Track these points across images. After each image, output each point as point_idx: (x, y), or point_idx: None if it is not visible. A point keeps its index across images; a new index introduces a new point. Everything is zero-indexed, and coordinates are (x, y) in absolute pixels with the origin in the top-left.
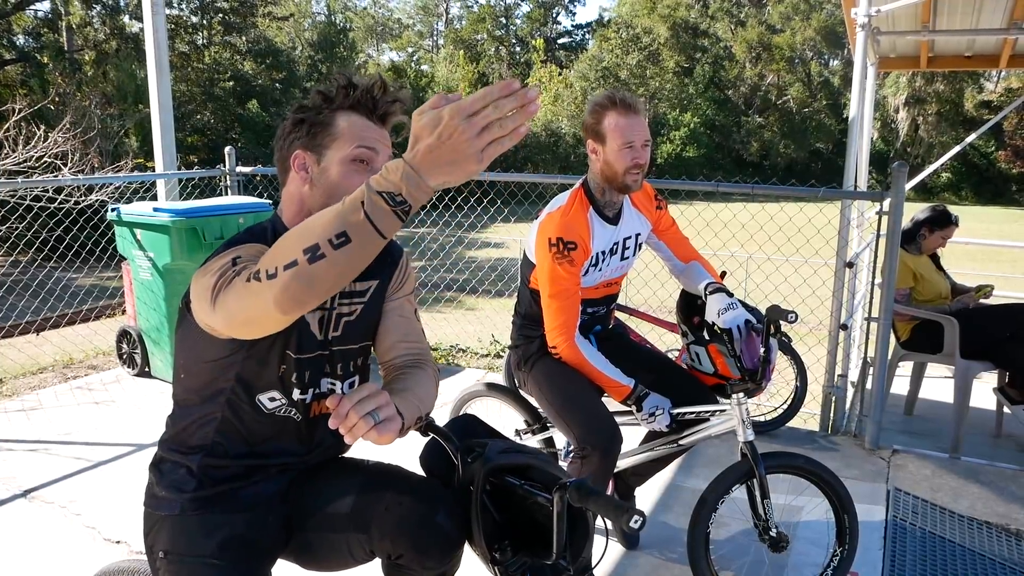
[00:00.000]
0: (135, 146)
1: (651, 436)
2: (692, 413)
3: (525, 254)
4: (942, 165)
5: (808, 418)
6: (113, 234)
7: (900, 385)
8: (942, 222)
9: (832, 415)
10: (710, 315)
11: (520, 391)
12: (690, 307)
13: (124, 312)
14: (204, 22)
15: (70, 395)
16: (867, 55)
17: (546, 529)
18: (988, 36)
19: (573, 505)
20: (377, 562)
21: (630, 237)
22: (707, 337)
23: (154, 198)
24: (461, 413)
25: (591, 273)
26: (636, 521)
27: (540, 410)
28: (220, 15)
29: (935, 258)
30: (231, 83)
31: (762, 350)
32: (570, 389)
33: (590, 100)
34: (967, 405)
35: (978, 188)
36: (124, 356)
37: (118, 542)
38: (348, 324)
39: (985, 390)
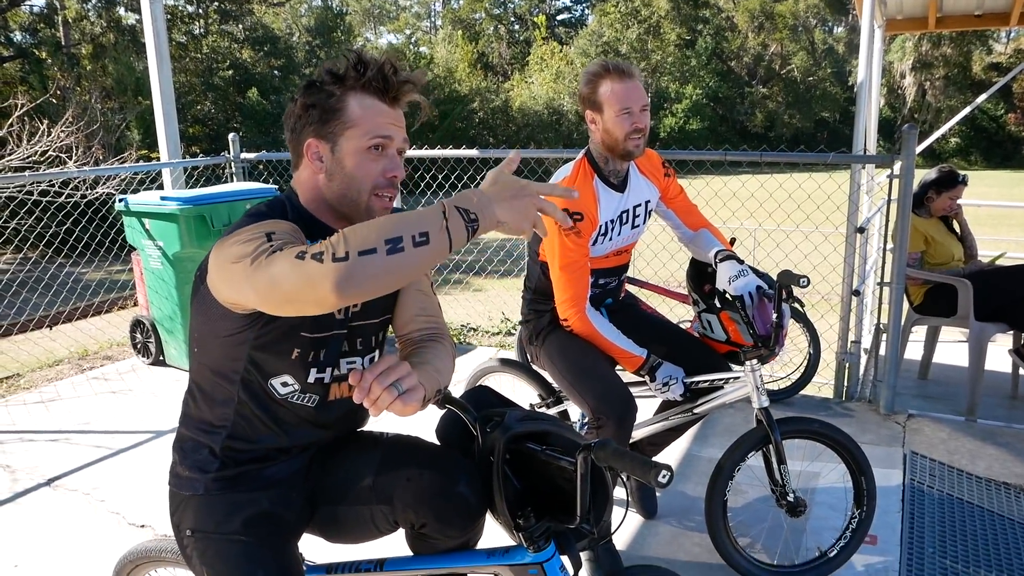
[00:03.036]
0: (137, 138)
1: (665, 406)
2: (706, 381)
3: None
4: (950, 129)
5: (822, 386)
6: (120, 227)
7: (914, 350)
8: (948, 183)
9: (846, 382)
10: (721, 282)
11: (532, 365)
12: (701, 275)
13: (136, 303)
14: (200, 11)
15: (87, 385)
16: (874, 17)
17: (567, 494)
18: None
19: (598, 466)
20: (400, 532)
21: (639, 205)
22: (718, 305)
23: (160, 188)
24: None
25: (601, 242)
26: (664, 476)
27: (553, 383)
28: (216, 3)
29: (946, 221)
30: (230, 72)
31: (774, 316)
32: (582, 360)
33: (584, 71)
34: (982, 367)
35: (987, 152)
36: (138, 346)
37: (143, 526)
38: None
39: (1000, 352)
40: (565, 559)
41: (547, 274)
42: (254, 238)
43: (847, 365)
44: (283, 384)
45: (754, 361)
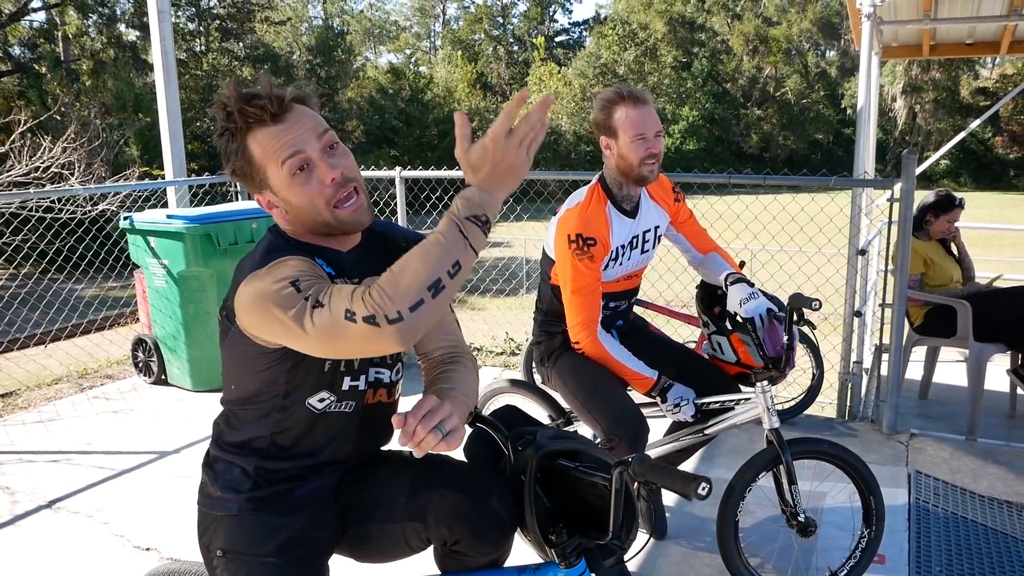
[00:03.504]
0: (136, 155)
1: (676, 426)
2: (716, 402)
3: (544, 251)
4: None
5: (825, 406)
6: (117, 244)
7: (913, 370)
8: (946, 206)
9: (849, 402)
10: (732, 305)
11: (542, 386)
12: (710, 298)
13: (136, 321)
14: (201, 29)
15: (87, 405)
16: (872, 45)
17: (596, 511)
18: (989, 23)
19: (636, 480)
20: (427, 552)
21: (649, 230)
22: (729, 327)
23: (163, 206)
24: (493, 407)
25: (612, 267)
26: (704, 488)
27: (564, 404)
28: (217, 21)
29: (944, 243)
30: None
31: (785, 338)
32: (595, 382)
33: (598, 97)
34: (982, 387)
35: (976, 174)
36: (140, 365)
37: (148, 549)
38: None
39: (998, 372)
40: None
41: (558, 296)
42: (283, 288)
43: (850, 385)
44: (320, 400)
45: (765, 382)
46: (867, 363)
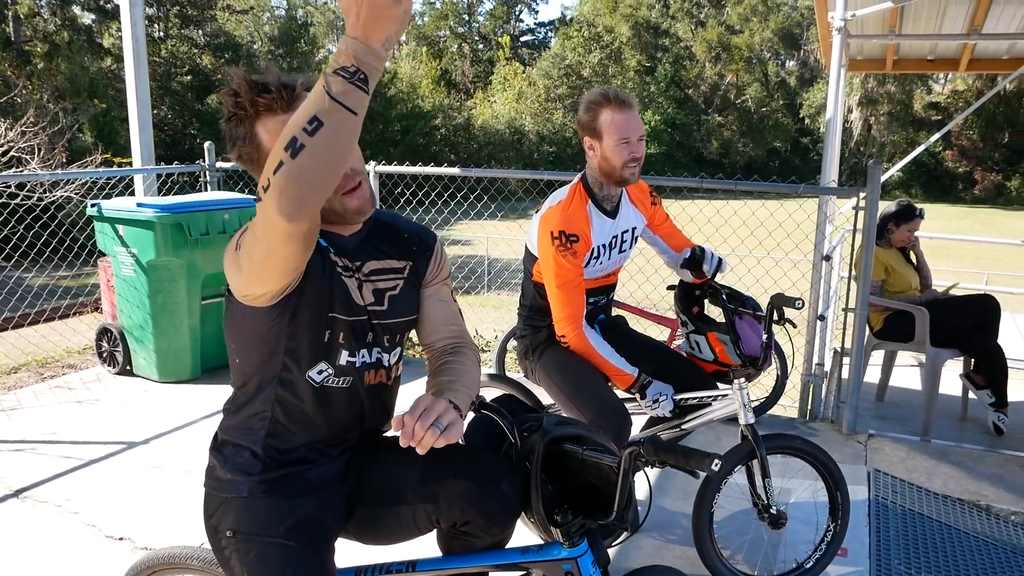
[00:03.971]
0: (90, 141)
1: (653, 422)
2: (694, 398)
3: (527, 248)
4: (892, 163)
5: (787, 407)
6: (70, 233)
7: (871, 373)
8: (907, 215)
9: (810, 403)
10: (704, 267)
11: (519, 379)
12: (689, 298)
13: (97, 310)
14: (160, 14)
15: (50, 394)
16: (841, 58)
17: (599, 492)
18: (950, 41)
19: (647, 461)
20: (428, 536)
21: (627, 231)
22: (707, 326)
23: (127, 194)
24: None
25: (592, 265)
26: (717, 464)
27: (549, 397)
28: (177, 7)
29: (904, 251)
30: (188, 77)
31: (764, 336)
32: (579, 375)
33: (584, 98)
34: (936, 390)
35: (927, 186)
36: (104, 354)
37: (121, 539)
38: (392, 298)
39: (951, 377)
40: None
41: (542, 293)
42: (239, 234)
43: (811, 387)
44: (319, 372)
45: (742, 379)
46: (828, 366)
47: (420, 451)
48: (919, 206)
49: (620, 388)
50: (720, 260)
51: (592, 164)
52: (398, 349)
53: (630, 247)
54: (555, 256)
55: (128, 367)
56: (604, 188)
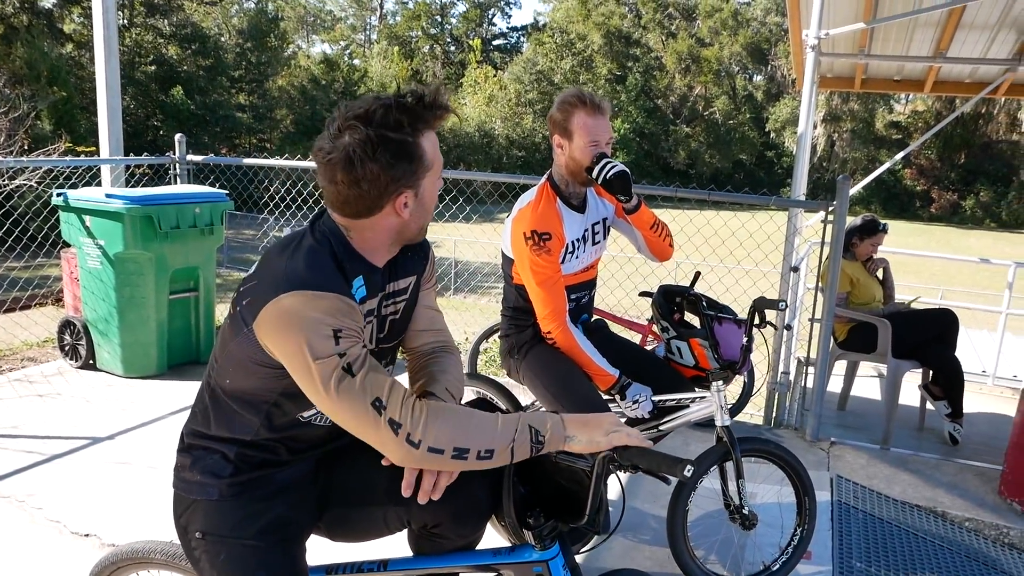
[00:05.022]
0: (48, 129)
1: (631, 423)
2: (672, 400)
3: (503, 252)
4: (854, 180)
5: (753, 414)
6: (19, 224)
7: (833, 383)
8: (871, 230)
9: (775, 410)
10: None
11: (492, 379)
12: (670, 305)
13: (58, 302)
14: (125, 2)
15: (9, 388)
16: (814, 75)
17: (571, 495)
18: (916, 63)
19: (620, 465)
20: (400, 534)
21: (598, 223)
22: (688, 332)
23: (85, 185)
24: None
25: (569, 261)
26: (688, 470)
27: (531, 395)
28: None
29: (868, 264)
30: (153, 67)
31: (744, 339)
32: (564, 374)
33: (560, 96)
34: (897, 400)
35: (886, 203)
36: (67, 348)
37: (87, 535)
38: (392, 323)
39: (909, 388)
40: None
41: (523, 295)
42: (322, 330)
43: (777, 394)
44: (310, 412)
45: (720, 382)
46: (793, 374)
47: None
48: (883, 222)
49: (601, 388)
50: (614, 165)
51: (559, 162)
52: (390, 367)
53: (604, 238)
54: (531, 256)
55: (91, 361)
56: (570, 186)
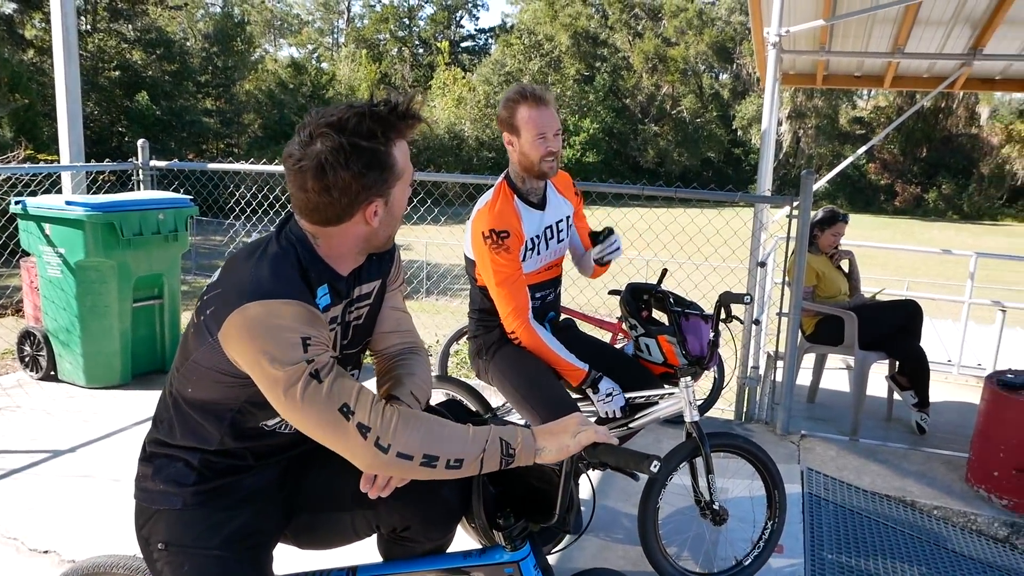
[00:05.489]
0: (9, 136)
1: (601, 422)
2: (643, 396)
3: (465, 255)
4: (820, 174)
5: (723, 408)
6: None
7: (802, 376)
8: (830, 221)
9: (746, 404)
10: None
11: (462, 380)
12: (638, 302)
13: (18, 313)
14: (88, 7)
15: None
16: (776, 72)
17: (541, 495)
18: (875, 59)
19: (588, 463)
20: (368, 541)
21: (561, 220)
22: (656, 329)
23: (45, 193)
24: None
25: (531, 258)
26: (655, 465)
27: (501, 396)
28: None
29: (832, 258)
30: (117, 73)
31: (711, 335)
32: (533, 374)
33: (503, 95)
34: (864, 391)
35: (852, 197)
36: (26, 359)
37: (46, 552)
38: (356, 328)
39: (876, 379)
40: None
41: (487, 296)
42: (290, 337)
43: (747, 389)
44: (274, 421)
45: (688, 378)
46: (762, 369)
47: (382, 494)
48: (843, 212)
49: (572, 384)
50: (618, 248)
51: (513, 159)
52: (355, 372)
53: (566, 235)
54: (490, 255)
55: (52, 372)
56: (527, 182)
